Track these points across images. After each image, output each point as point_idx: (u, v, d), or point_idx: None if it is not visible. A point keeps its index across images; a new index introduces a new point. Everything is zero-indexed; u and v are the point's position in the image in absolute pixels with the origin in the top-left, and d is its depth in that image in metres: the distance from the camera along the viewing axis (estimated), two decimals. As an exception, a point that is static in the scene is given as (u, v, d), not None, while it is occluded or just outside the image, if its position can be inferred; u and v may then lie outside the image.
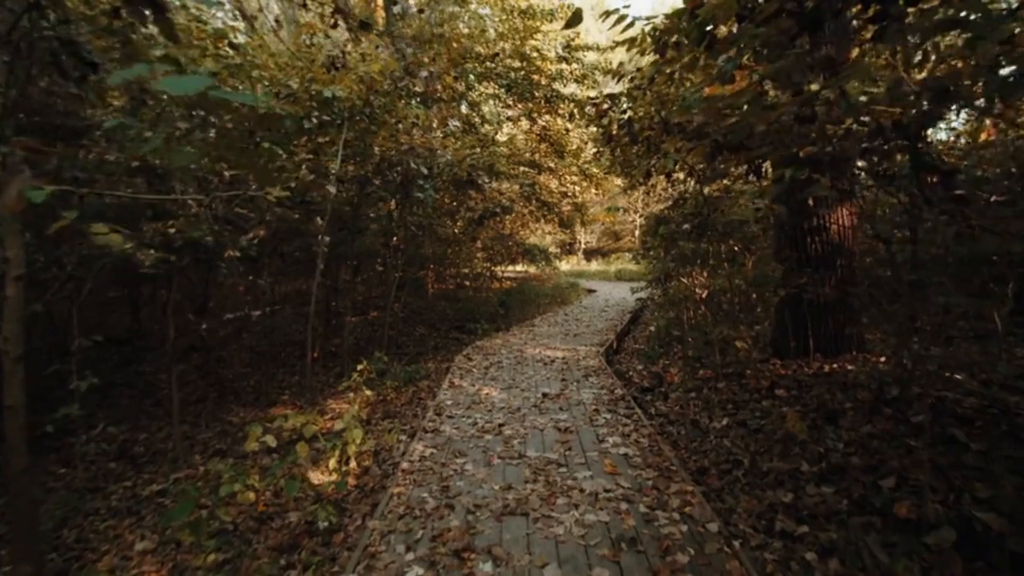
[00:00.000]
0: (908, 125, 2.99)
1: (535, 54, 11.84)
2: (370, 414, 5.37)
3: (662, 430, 4.18)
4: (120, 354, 8.38)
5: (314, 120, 4.59)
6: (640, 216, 28.84)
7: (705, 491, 3.07)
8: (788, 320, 5.08)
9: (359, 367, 4.77)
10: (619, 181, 19.91)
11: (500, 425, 3.88)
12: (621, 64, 3.71)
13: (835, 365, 4.52)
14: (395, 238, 8.88)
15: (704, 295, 4.89)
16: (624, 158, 4.91)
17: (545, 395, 4.62)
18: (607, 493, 2.79)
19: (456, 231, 10.82)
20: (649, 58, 3.88)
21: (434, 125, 9.86)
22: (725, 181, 5.78)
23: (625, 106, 4.09)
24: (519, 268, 21.17)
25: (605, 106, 4.01)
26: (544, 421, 3.96)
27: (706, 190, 5.65)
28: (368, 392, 5.27)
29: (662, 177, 5.37)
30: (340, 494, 3.37)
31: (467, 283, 14.95)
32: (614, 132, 4.36)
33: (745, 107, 3.14)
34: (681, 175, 5.07)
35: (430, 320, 11.23)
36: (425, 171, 5.86)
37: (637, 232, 29.62)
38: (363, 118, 5.23)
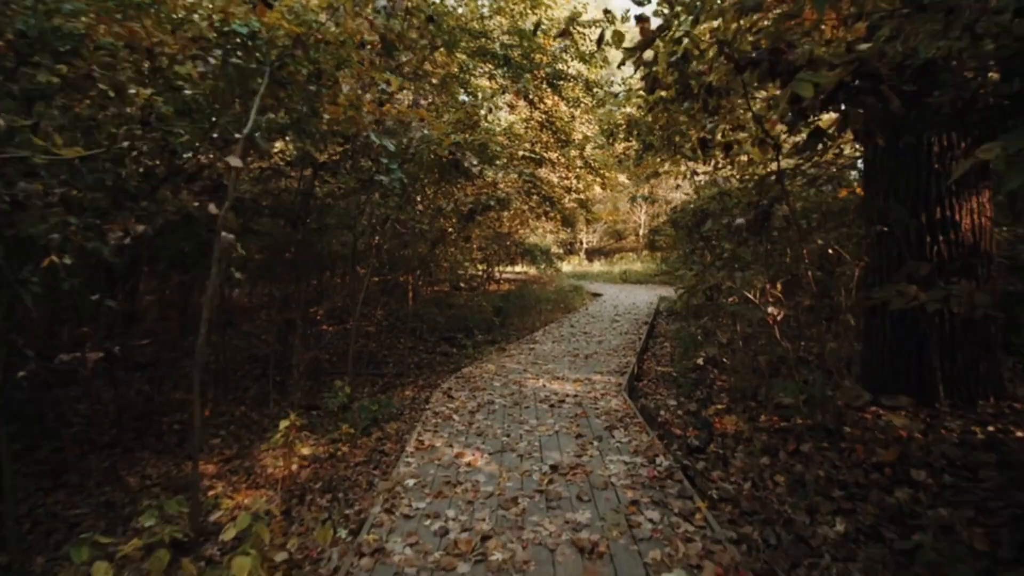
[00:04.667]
0: None
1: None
2: (309, 479, 3.87)
3: (735, 529, 2.69)
4: (59, 376, 6.88)
5: (212, 60, 3.10)
6: (646, 213, 27.40)
7: None
8: (893, 350, 3.61)
9: (283, 423, 3.28)
10: (624, 178, 18.43)
11: (484, 538, 2.39)
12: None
13: (990, 427, 3.03)
14: (376, 238, 7.43)
15: (780, 316, 3.40)
16: (667, 121, 3.42)
17: (554, 468, 3.12)
18: None
19: (448, 227, 9.36)
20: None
21: (423, 103, 8.40)
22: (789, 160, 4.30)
23: (683, 29, 2.60)
24: (518, 269, 19.72)
25: (655, 26, 2.52)
26: (555, 528, 2.47)
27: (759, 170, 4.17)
28: (305, 450, 3.78)
29: (715, 153, 3.89)
30: None
31: (462, 284, 13.51)
32: (661, 74, 2.88)
33: None
34: (746, 141, 3.57)
35: (418, 329, 9.78)
36: (392, 147, 4.36)
37: (642, 231, 28.13)
38: (298, 68, 3.75)
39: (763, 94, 3.68)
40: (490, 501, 2.75)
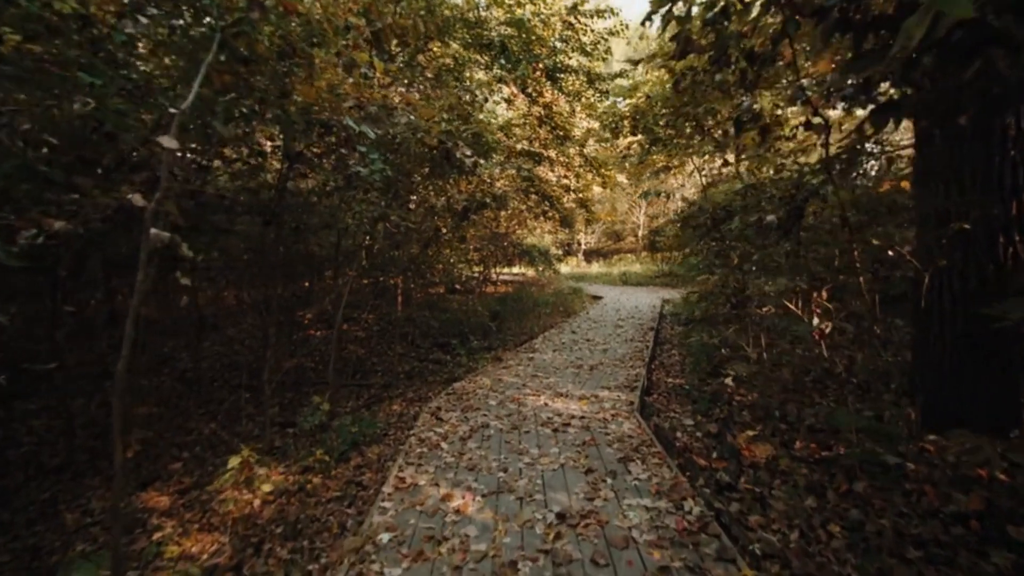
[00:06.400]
0: None
1: (535, 21, 9.86)
2: (272, 519, 3.30)
3: (787, 601, 2.15)
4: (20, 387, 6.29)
5: (144, 19, 2.54)
6: (645, 214, 26.92)
7: None
8: (956, 366, 3.08)
9: (233, 460, 2.71)
10: (623, 178, 17.88)
11: (474, 628, 1.84)
12: None
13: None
14: (367, 238, 6.87)
15: (828, 329, 2.86)
16: (696, 103, 2.87)
17: (561, 516, 2.57)
18: None
19: (442, 226, 8.81)
20: None
21: (416, 95, 7.86)
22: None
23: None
24: (516, 270, 19.20)
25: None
26: (565, 609, 1.91)
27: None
28: (267, 486, 3.21)
29: (749, 136, 3.35)
30: None
31: (458, 286, 12.96)
32: (695, 35, 2.33)
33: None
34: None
35: (410, 335, 9.22)
36: (372, 135, 3.81)
37: (641, 232, 27.62)
38: (257, 38, 3.19)
39: (793, 77, 3.13)
40: (483, 566, 2.19)
